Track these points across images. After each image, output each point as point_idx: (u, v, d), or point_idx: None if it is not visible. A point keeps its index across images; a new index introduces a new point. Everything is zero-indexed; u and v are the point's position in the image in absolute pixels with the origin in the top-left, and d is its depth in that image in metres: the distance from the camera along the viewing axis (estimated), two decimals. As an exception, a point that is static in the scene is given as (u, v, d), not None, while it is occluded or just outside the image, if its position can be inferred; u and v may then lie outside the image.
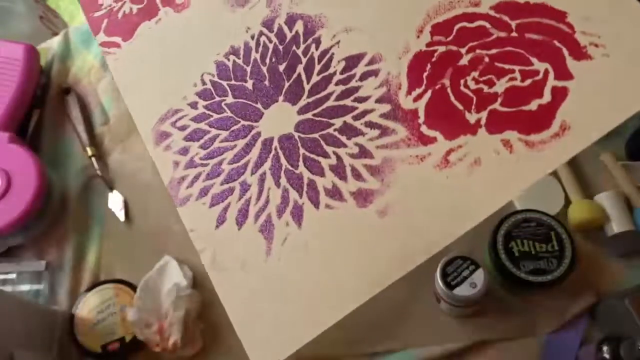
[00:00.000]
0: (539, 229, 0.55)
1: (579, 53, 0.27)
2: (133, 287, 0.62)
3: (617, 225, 0.58)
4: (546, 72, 0.27)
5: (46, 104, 0.77)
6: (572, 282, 0.54)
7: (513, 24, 0.28)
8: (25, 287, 0.66)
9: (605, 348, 0.49)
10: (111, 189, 0.70)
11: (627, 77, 0.25)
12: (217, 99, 0.31)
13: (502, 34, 0.28)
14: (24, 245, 0.68)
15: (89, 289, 0.63)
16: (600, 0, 0.27)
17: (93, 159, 0.72)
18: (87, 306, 0.62)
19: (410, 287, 0.58)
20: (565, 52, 0.27)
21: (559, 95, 0.26)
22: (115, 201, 0.69)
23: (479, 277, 0.52)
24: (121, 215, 0.69)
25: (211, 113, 0.31)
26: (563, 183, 0.62)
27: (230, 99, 0.31)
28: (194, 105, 0.32)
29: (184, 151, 0.32)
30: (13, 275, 0.66)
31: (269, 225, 0.27)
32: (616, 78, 0.26)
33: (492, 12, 0.29)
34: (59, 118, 0.76)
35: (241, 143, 0.29)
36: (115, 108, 0.75)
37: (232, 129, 0.30)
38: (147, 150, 0.73)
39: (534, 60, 0.27)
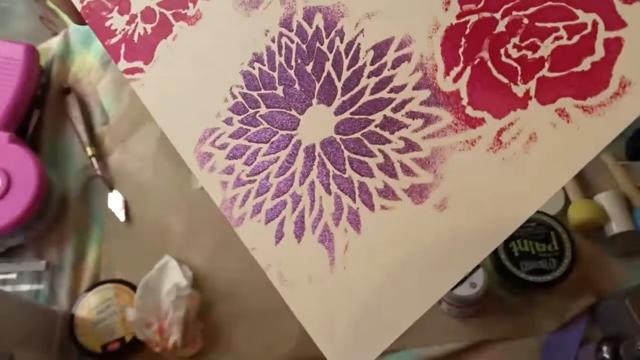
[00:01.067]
0: (539, 228, 0.55)
1: None
2: (133, 287, 0.62)
3: (617, 225, 0.58)
4: (594, 23, 0.24)
5: (46, 104, 0.77)
6: (572, 282, 0.54)
7: None
8: (25, 287, 0.66)
9: (605, 348, 0.49)
10: (111, 189, 0.70)
11: None
12: (251, 111, 0.30)
13: None
14: (24, 245, 0.68)
15: (89, 289, 0.63)
16: None
17: (93, 159, 0.72)
18: (87, 306, 0.62)
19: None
20: None
21: (613, 47, 0.23)
22: (115, 201, 0.69)
23: (478, 277, 0.52)
24: (121, 215, 0.69)
25: (248, 127, 0.30)
26: (563, 183, 0.62)
27: (263, 110, 0.30)
28: (229, 122, 0.30)
29: (230, 170, 0.30)
30: (13, 275, 0.66)
31: (327, 234, 0.26)
32: None
33: None
34: (59, 118, 0.76)
35: (283, 154, 0.28)
36: (115, 108, 0.75)
37: (271, 140, 0.29)
38: (147, 150, 0.73)
39: (578, 12, 0.24)
